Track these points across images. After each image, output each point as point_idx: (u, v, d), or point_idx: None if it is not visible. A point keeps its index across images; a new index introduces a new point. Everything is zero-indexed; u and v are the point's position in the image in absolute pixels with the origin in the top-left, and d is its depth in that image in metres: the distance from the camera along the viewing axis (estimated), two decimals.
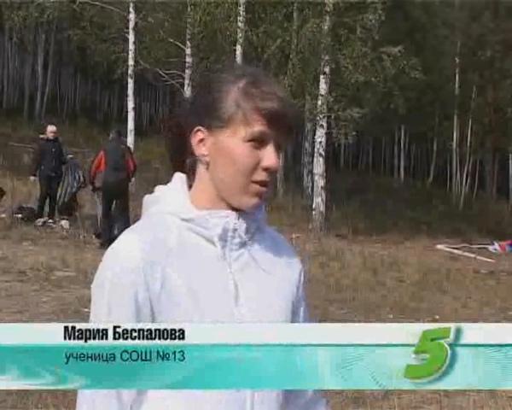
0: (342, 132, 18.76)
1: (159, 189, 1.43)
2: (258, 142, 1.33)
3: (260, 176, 1.34)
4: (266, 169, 1.33)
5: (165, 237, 1.33)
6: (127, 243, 1.32)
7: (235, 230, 1.36)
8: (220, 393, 1.28)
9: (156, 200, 1.40)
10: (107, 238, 11.24)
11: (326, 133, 18.77)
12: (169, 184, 1.42)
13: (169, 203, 1.38)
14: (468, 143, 31.92)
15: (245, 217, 1.38)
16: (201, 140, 1.37)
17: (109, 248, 1.34)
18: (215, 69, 1.50)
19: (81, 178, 13.85)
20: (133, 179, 12.49)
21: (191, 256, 1.34)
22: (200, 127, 1.37)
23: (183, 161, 1.43)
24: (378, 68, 18.80)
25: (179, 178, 1.42)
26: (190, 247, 1.35)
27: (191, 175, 1.42)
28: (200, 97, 1.39)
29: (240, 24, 18.93)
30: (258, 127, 1.32)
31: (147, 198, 1.43)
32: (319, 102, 18.60)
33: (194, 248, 1.35)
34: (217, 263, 1.36)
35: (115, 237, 1.41)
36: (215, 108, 1.35)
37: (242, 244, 1.38)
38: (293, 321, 1.44)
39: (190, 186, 1.41)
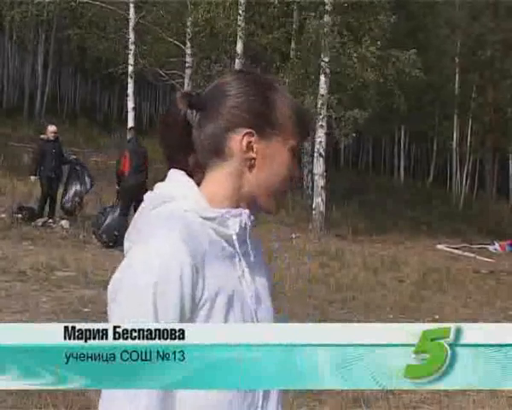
0: (343, 133, 18.78)
1: (163, 185, 1.39)
2: (293, 153, 1.41)
3: (289, 185, 1.43)
4: (293, 179, 1.43)
5: (199, 237, 1.30)
6: (172, 244, 1.26)
7: (245, 228, 1.38)
8: (232, 394, 1.29)
9: (169, 197, 1.36)
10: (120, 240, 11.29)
11: (326, 133, 18.77)
12: (174, 180, 1.39)
13: (188, 200, 1.35)
14: (468, 143, 31.93)
15: (250, 215, 1.40)
16: (250, 142, 1.37)
17: (142, 245, 1.27)
18: (235, 72, 1.47)
19: (91, 182, 13.79)
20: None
21: (218, 257, 1.33)
22: (250, 130, 1.37)
23: (183, 158, 1.41)
24: (384, 69, 18.82)
25: (182, 174, 1.40)
26: (216, 247, 1.33)
27: (197, 173, 1.40)
28: (247, 100, 1.38)
29: (240, 23, 18.93)
30: (297, 139, 1.42)
31: (154, 195, 1.38)
32: (319, 102, 18.59)
33: (218, 248, 1.34)
34: (235, 263, 1.36)
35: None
36: (268, 115, 1.39)
37: (246, 242, 1.39)
38: None
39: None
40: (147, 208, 1.36)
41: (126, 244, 1.35)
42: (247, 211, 1.38)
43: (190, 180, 1.39)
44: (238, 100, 1.38)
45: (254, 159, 1.37)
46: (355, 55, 18.23)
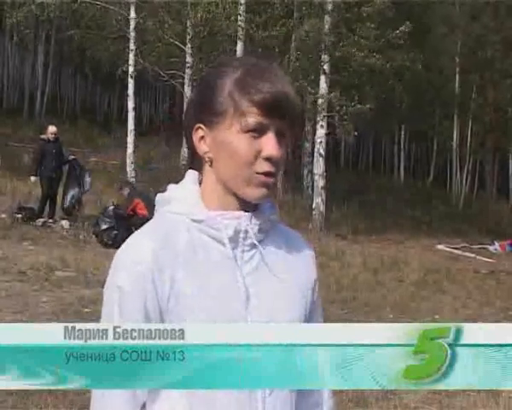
0: (344, 130, 18.78)
1: (171, 187, 1.40)
2: (257, 132, 1.29)
3: (263, 166, 1.30)
4: (268, 159, 1.30)
5: (175, 238, 1.31)
6: (138, 245, 1.31)
7: (246, 231, 1.33)
8: (231, 392, 1.28)
9: (168, 199, 1.38)
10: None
11: (326, 134, 18.77)
12: (181, 183, 1.40)
13: (180, 203, 1.35)
14: (468, 143, 31.90)
15: (258, 217, 1.35)
16: (202, 137, 1.34)
17: (120, 250, 1.33)
18: (214, 64, 1.45)
19: (90, 183, 13.80)
20: None
21: (200, 258, 1.31)
22: (199, 124, 1.34)
23: (191, 161, 1.41)
24: (384, 57, 18.86)
25: (191, 175, 1.39)
26: (200, 248, 1.32)
27: (200, 174, 1.40)
28: (198, 94, 1.38)
29: (240, 23, 18.93)
30: (253, 118, 1.28)
31: (159, 197, 1.40)
32: (319, 102, 18.59)
33: (203, 250, 1.32)
34: (227, 265, 1.32)
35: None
36: (211, 103, 1.32)
37: (254, 246, 1.35)
38: None
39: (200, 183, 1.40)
40: (156, 209, 1.41)
41: None
42: (247, 214, 1.34)
43: (195, 182, 1.38)
44: (192, 96, 1.39)
45: (209, 152, 1.34)
46: (356, 40, 18.29)
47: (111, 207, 12.42)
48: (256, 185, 1.31)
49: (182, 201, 1.35)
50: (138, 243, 1.31)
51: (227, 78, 1.32)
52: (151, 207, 11.99)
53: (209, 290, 1.30)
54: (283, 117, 1.30)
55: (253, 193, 1.31)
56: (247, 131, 1.29)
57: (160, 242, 1.30)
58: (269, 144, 1.29)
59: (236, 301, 1.32)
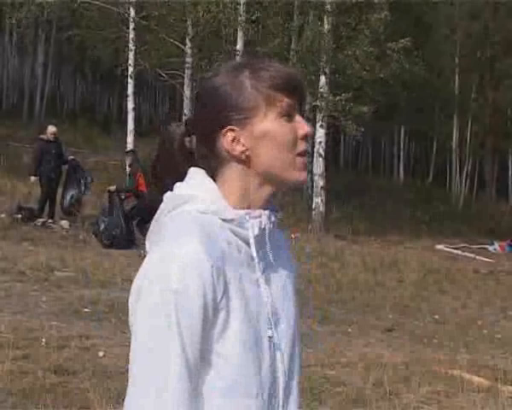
0: (353, 128, 18.78)
1: (183, 186, 1.37)
2: (287, 116, 1.34)
3: (301, 146, 1.35)
4: (304, 137, 1.35)
5: (217, 238, 1.29)
6: (190, 247, 1.24)
7: (265, 229, 1.35)
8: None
9: (187, 198, 1.34)
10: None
11: (326, 134, 18.77)
12: (194, 180, 1.37)
13: (206, 202, 1.33)
14: (468, 144, 31.91)
15: (271, 216, 1.37)
16: (234, 139, 1.34)
17: (161, 257, 1.26)
18: (205, 79, 1.46)
19: (89, 183, 13.81)
20: None
21: (236, 258, 1.31)
22: (228, 127, 1.34)
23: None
24: (382, 64, 18.83)
25: (201, 173, 1.37)
26: (234, 248, 1.32)
27: (215, 174, 1.38)
28: (212, 103, 1.36)
29: (240, 23, 18.92)
30: (284, 101, 1.34)
31: (172, 196, 1.36)
32: (319, 103, 18.60)
33: (236, 250, 1.32)
34: (253, 264, 1.34)
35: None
36: (237, 103, 1.34)
37: (266, 243, 1.36)
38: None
39: None
40: (166, 209, 1.36)
41: (147, 244, 1.35)
42: (266, 212, 1.35)
43: (211, 181, 1.36)
44: (211, 105, 1.36)
45: (246, 150, 1.34)
46: (347, 52, 18.27)
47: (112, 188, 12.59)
48: (299, 168, 1.35)
49: (206, 200, 1.33)
50: (185, 241, 1.25)
51: (239, 77, 1.35)
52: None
53: (246, 292, 1.31)
54: (302, 95, 1.37)
55: (299, 176, 1.36)
56: (283, 116, 1.34)
57: (210, 244, 1.26)
58: (301, 123, 1.36)
59: (264, 301, 1.34)
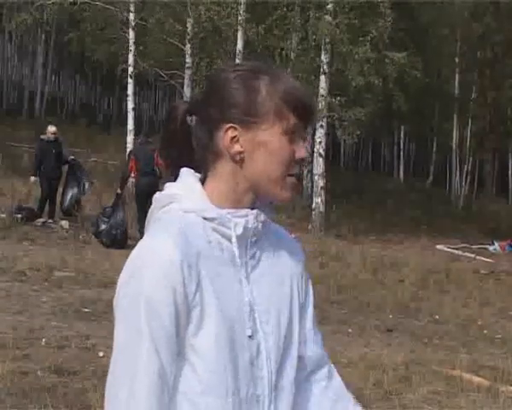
0: (347, 132, 18.77)
1: (172, 185, 1.40)
2: (291, 135, 1.35)
3: (295, 169, 1.37)
4: (299, 161, 1.37)
5: (194, 236, 1.31)
6: (164, 245, 1.28)
7: (253, 228, 1.36)
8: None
9: (173, 197, 1.37)
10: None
11: (326, 134, 18.76)
12: (181, 181, 1.39)
13: (190, 202, 1.35)
14: (468, 144, 31.90)
15: (262, 215, 1.37)
16: (234, 137, 1.35)
17: (140, 251, 1.30)
18: (222, 68, 1.45)
19: (89, 184, 13.80)
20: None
21: (216, 257, 1.33)
22: (231, 125, 1.34)
23: (185, 155, 1.40)
24: (380, 71, 18.79)
25: (190, 173, 1.39)
26: (215, 247, 1.33)
27: (204, 171, 1.40)
28: (222, 94, 1.36)
29: (241, 22, 18.91)
30: (293, 121, 1.35)
31: (161, 196, 1.39)
32: (319, 103, 18.58)
33: (217, 249, 1.34)
34: (235, 263, 1.35)
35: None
36: (249, 104, 1.34)
37: (256, 243, 1.38)
38: (301, 325, 1.48)
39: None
40: (156, 209, 1.39)
41: None
42: (254, 212, 1.36)
43: (197, 180, 1.38)
44: (220, 96, 1.37)
45: (242, 152, 1.35)
46: (353, 57, 18.23)
47: (111, 209, 12.43)
48: (287, 187, 1.37)
49: (191, 199, 1.36)
50: (164, 242, 1.28)
51: (256, 81, 1.35)
52: (139, 165, 12.12)
53: (223, 289, 1.32)
54: (311, 120, 1.39)
55: (283, 194, 1.37)
56: (287, 134, 1.35)
57: (184, 240, 1.29)
58: (301, 147, 1.37)
59: (245, 301, 1.35)
